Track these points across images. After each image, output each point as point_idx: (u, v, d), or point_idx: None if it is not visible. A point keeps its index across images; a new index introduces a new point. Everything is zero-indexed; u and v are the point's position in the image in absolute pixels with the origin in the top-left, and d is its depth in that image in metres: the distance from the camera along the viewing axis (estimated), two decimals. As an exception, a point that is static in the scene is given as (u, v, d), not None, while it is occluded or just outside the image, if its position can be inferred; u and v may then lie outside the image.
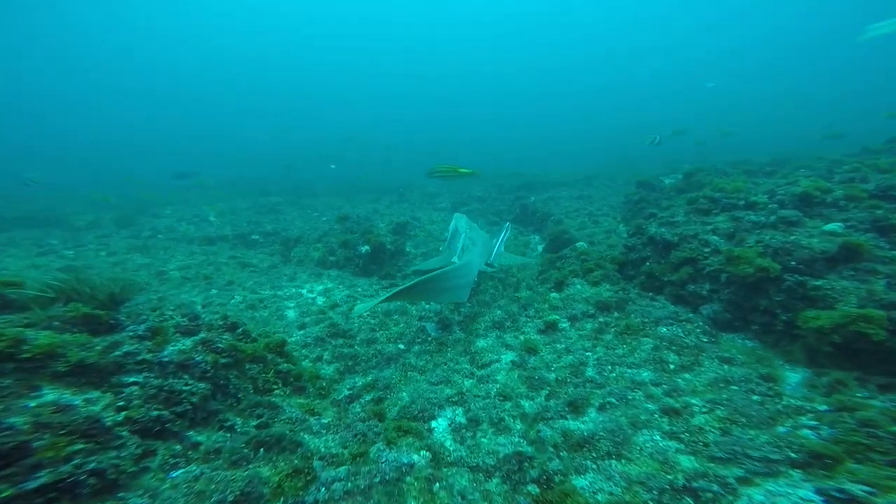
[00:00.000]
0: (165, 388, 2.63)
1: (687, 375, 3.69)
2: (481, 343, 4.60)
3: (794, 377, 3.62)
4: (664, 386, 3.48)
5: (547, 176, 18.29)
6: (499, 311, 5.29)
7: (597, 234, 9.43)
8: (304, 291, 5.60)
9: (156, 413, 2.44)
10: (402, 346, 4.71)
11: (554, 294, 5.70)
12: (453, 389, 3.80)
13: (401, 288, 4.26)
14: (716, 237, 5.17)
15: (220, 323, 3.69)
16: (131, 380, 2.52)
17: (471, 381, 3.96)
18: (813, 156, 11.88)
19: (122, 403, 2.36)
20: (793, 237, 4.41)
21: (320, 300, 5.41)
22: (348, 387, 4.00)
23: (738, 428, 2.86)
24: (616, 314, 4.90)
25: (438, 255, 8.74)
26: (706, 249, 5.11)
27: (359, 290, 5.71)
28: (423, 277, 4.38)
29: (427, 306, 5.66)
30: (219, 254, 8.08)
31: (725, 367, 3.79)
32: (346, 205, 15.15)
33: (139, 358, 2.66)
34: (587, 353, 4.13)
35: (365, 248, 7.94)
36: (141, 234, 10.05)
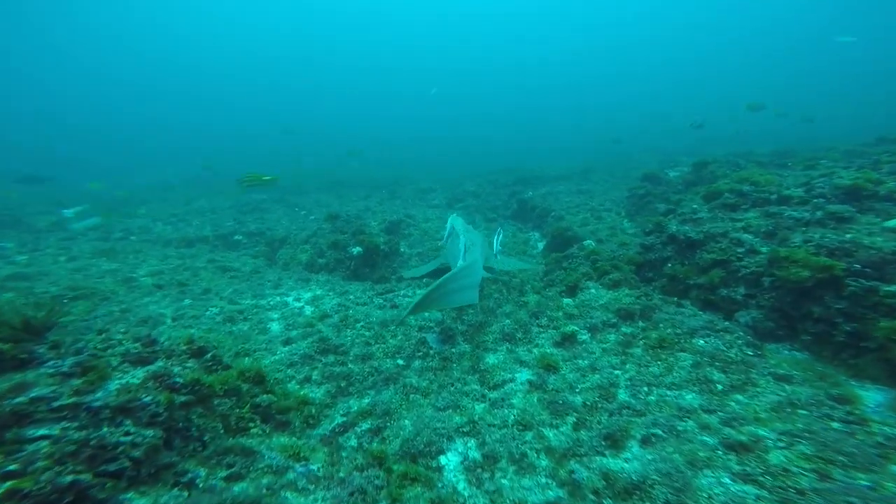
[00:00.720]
0: (92, 441, 1.99)
1: (741, 397, 3.16)
2: (491, 359, 4.02)
3: (872, 397, 3.13)
4: (718, 413, 2.95)
5: (542, 170, 17.74)
6: (507, 320, 4.72)
7: (601, 231, 8.92)
8: (290, 300, 4.93)
9: (69, 478, 1.80)
10: (401, 362, 4.10)
11: (567, 300, 5.14)
12: (463, 417, 3.22)
13: (419, 299, 3.80)
14: (749, 235, 4.67)
15: (184, 348, 3.04)
16: (39, 433, 1.87)
17: (482, 405, 3.38)
18: (818, 147, 11.57)
19: (12, 468, 1.71)
20: (849, 235, 3.92)
21: (308, 310, 4.75)
22: (342, 412, 3.39)
23: (837, 470, 2.32)
24: (641, 323, 4.36)
25: (434, 259, 8.15)
26: (739, 249, 4.60)
27: (351, 297, 5.07)
28: (435, 283, 3.93)
29: (426, 315, 5.06)
30: (197, 257, 7.35)
31: (785, 386, 3.27)
32: (335, 202, 14.41)
33: (57, 404, 2.01)
34: (616, 372, 3.57)
35: (356, 250, 7.28)
36: (111, 236, 9.24)
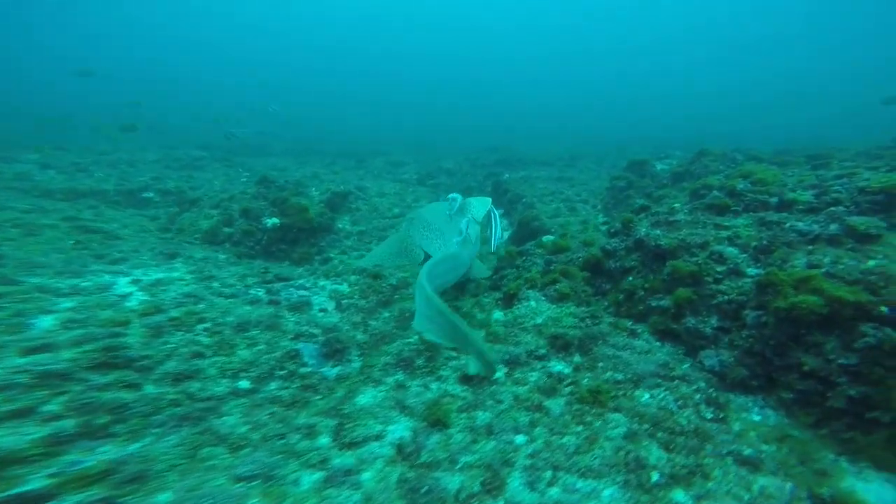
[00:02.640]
0: None
1: (682, 498, 2.11)
2: (367, 396, 2.90)
3: (876, 495, 2.14)
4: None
5: (528, 153, 16.43)
6: (415, 337, 3.60)
7: (571, 225, 7.79)
8: (121, 282, 3.67)
9: None
10: (244, 386, 2.97)
11: (498, 314, 4.04)
12: (268, 499, 2.12)
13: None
14: (734, 250, 3.55)
15: None
16: None
17: (314, 477, 2.29)
18: (823, 147, 10.42)
19: None
20: (873, 262, 2.82)
21: (136, 300, 3.43)
22: (49, 473, 2.16)
23: None
24: (578, 358, 3.27)
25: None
26: (719, 268, 3.49)
27: (215, 284, 3.85)
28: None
29: (314, 317, 3.91)
30: (62, 212, 5.64)
31: (749, 478, 2.24)
32: (292, 166, 12.99)
33: None
34: (518, 440, 2.49)
35: (272, 222, 6.05)
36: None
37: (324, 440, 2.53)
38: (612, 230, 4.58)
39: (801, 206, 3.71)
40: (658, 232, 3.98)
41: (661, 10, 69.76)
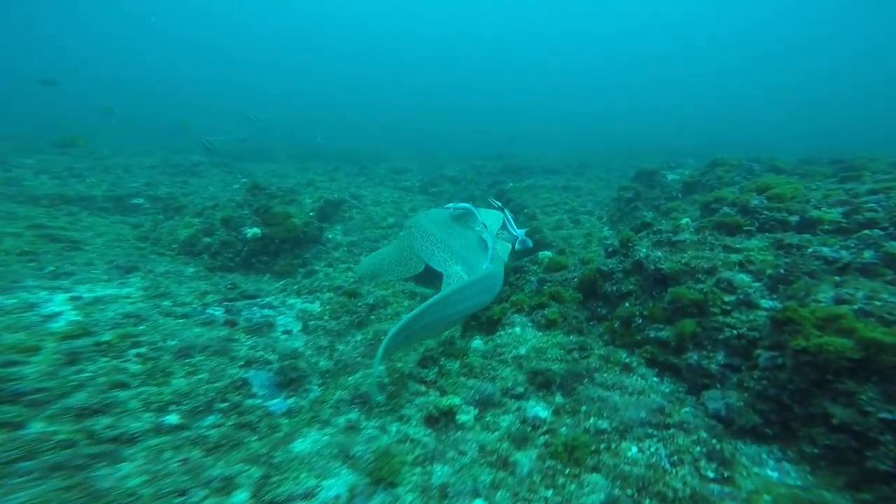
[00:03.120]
0: None
1: None
2: (306, 442, 2.52)
3: None
4: None
5: (536, 160, 15.99)
6: (382, 366, 3.22)
7: (574, 238, 7.34)
8: (56, 299, 3.36)
9: None
10: (170, 421, 2.62)
11: (478, 341, 3.63)
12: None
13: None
14: (747, 277, 3.08)
15: None
16: None
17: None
18: (858, 156, 9.70)
19: None
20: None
21: (65, 320, 3.12)
22: None
23: None
24: (558, 398, 2.85)
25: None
26: (728, 297, 3.02)
27: (167, 302, 3.53)
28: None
29: (268, 339, 3.56)
30: (33, 219, 5.32)
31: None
32: (292, 172, 12.84)
33: None
34: (478, 504, 2.08)
35: (252, 232, 5.78)
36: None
37: (239, 497, 2.16)
38: (610, 249, 4.13)
39: (827, 227, 3.22)
40: (659, 254, 3.53)
41: (678, 16, 68.75)
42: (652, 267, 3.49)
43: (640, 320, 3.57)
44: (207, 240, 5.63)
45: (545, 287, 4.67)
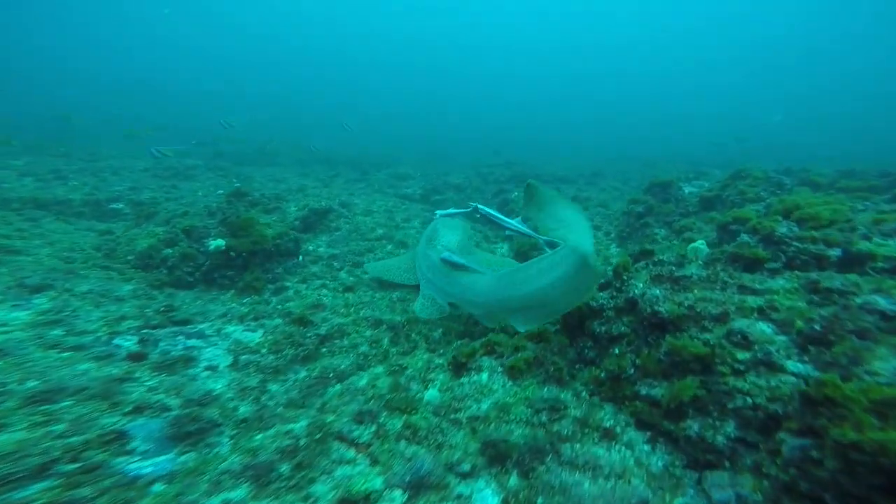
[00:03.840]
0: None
1: None
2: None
3: None
4: None
5: (547, 168, 15.26)
6: (295, 426, 2.64)
7: (576, 256, 6.62)
8: None
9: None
10: None
11: (433, 391, 3.01)
12: None
13: None
14: (768, 328, 2.37)
15: None
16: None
17: None
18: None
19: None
20: None
21: None
22: None
23: None
24: (513, 480, 2.20)
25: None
26: (742, 355, 2.32)
27: (56, 332, 2.97)
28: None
29: (203, 377, 3.04)
30: None
31: None
32: (291, 177, 12.53)
33: None
34: None
35: (215, 244, 5.33)
36: None
37: None
38: (602, 281, 3.45)
39: (881, 265, 2.48)
40: (658, 292, 2.84)
41: (705, 17, 66.57)
42: (648, 309, 2.80)
43: (632, 370, 2.89)
44: (168, 251, 5.23)
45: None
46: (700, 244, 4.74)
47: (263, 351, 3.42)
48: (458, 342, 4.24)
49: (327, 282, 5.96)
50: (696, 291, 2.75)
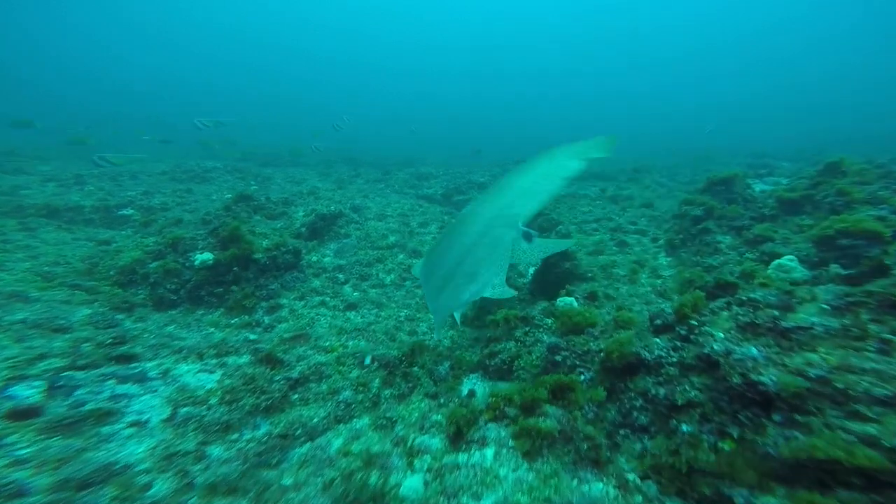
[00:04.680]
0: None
1: None
2: None
3: None
4: None
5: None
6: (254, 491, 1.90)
7: (618, 269, 5.58)
8: None
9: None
10: None
11: (414, 479, 2.18)
12: None
13: None
14: None
15: None
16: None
17: None
18: None
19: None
20: None
21: None
22: None
23: None
24: None
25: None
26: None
27: None
28: None
29: (124, 436, 2.38)
30: None
31: None
32: (312, 178, 12.12)
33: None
34: None
35: (201, 258, 4.78)
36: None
37: None
38: (659, 321, 2.47)
39: None
40: (755, 351, 1.84)
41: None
42: (739, 377, 1.81)
43: (714, 457, 1.92)
44: (153, 265, 4.73)
45: (558, 357, 3.14)
46: (789, 261, 3.60)
47: (214, 401, 2.72)
48: (470, 381, 3.41)
49: (328, 298, 5.29)
50: (824, 352, 1.73)
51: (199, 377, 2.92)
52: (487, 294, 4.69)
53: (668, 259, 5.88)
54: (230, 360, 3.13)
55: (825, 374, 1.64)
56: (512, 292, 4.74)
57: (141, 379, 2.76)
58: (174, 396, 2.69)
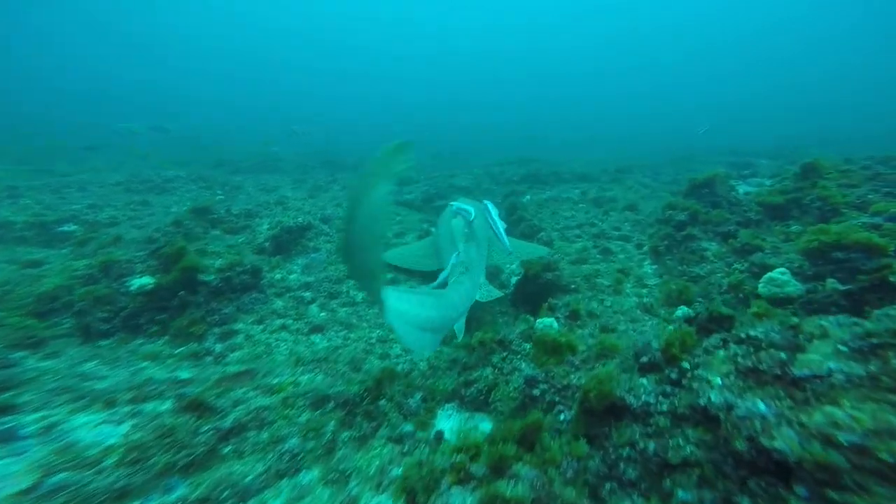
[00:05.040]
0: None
1: None
2: None
3: None
4: None
5: (567, 164, 13.74)
6: None
7: (602, 279, 5.28)
8: None
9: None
10: None
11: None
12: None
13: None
14: None
15: None
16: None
17: None
18: None
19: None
20: None
21: None
22: None
23: None
24: None
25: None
26: None
27: None
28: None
29: None
30: None
31: None
32: (285, 185, 11.58)
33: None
34: None
35: (139, 283, 4.27)
36: None
37: None
38: (645, 358, 2.10)
39: None
40: (764, 407, 1.48)
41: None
42: (744, 442, 1.45)
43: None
44: (80, 292, 4.18)
45: (535, 391, 2.80)
46: (780, 275, 3.31)
47: (110, 461, 2.24)
48: (445, 412, 3.04)
49: (290, 321, 4.82)
50: (850, 408, 1.38)
51: (99, 431, 2.44)
52: (478, 297, 4.43)
53: (654, 267, 5.59)
54: (148, 406, 2.66)
55: (858, 441, 1.28)
56: (498, 293, 4.60)
57: (9, 437, 2.27)
58: (48, 460, 2.19)
